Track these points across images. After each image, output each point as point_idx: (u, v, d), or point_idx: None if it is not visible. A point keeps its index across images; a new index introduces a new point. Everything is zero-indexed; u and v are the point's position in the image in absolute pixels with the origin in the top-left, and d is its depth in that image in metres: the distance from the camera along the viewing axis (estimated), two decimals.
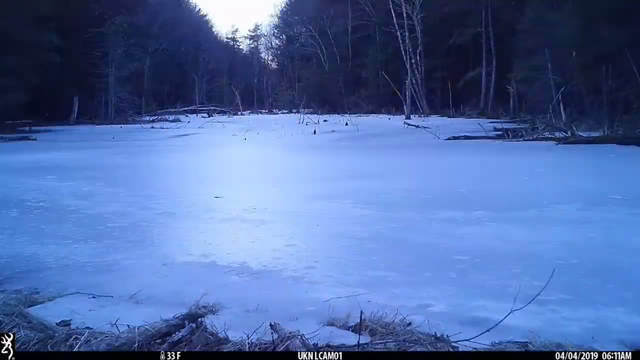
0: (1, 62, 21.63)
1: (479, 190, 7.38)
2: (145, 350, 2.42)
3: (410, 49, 36.69)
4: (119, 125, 26.24)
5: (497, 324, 2.54)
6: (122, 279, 3.67)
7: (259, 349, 2.41)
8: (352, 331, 2.76)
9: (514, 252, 4.22)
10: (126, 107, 31.80)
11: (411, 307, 3.00)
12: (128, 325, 2.62)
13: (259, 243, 4.63)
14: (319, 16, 46.65)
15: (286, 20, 59.08)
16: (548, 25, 20.04)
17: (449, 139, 16.66)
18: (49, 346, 2.42)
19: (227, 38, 71.97)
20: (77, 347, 2.38)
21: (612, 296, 3.19)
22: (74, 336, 2.47)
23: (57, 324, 2.77)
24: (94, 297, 3.29)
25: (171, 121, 31.07)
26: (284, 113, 45.19)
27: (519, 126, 19.22)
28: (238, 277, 3.71)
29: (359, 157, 13.34)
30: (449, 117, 30.95)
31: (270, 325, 2.55)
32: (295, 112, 39.15)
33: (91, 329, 2.59)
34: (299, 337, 2.43)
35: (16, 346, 2.34)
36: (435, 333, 2.58)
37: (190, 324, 2.63)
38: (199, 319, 2.72)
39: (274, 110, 50.96)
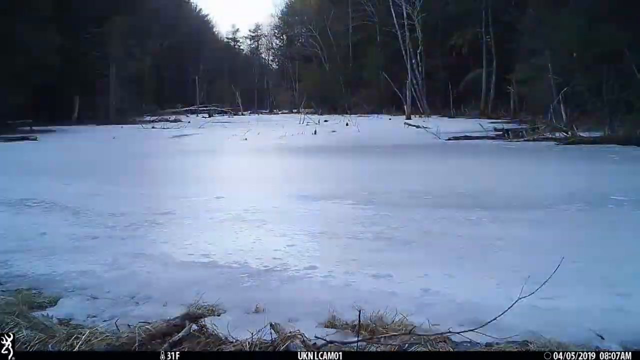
0: (2, 62, 21.63)
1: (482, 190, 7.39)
2: (146, 350, 2.42)
3: (411, 49, 36.67)
4: (120, 126, 26.28)
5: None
6: (122, 278, 3.68)
7: (259, 349, 2.41)
8: (352, 331, 2.76)
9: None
10: (127, 107, 31.80)
11: (411, 308, 3.00)
12: (128, 325, 2.63)
13: (259, 243, 4.63)
14: (319, 16, 46.66)
15: (287, 21, 59.06)
16: (549, 25, 20.01)
17: (449, 139, 16.65)
18: (49, 346, 2.42)
19: (227, 38, 72.04)
20: (77, 346, 2.39)
21: None
22: (75, 336, 2.47)
23: (57, 323, 2.77)
24: (94, 297, 3.29)
25: (172, 121, 31.07)
26: (285, 113, 45.20)
27: (519, 126, 19.21)
28: (238, 277, 3.71)
29: (360, 158, 13.31)
30: (449, 118, 30.95)
31: (270, 325, 2.55)
32: (295, 113, 39.15)
33: (91, 328, 2.60)
34: (299, 337, 2.43)
35: (16, 346, 2.35)
36: (436, 333, 2.58)
37: (191, 324, 2.63)
38: (199, 319, 2.72)
39: (275, 111, 50.98)
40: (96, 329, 2.55)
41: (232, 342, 2.49)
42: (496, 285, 3.42)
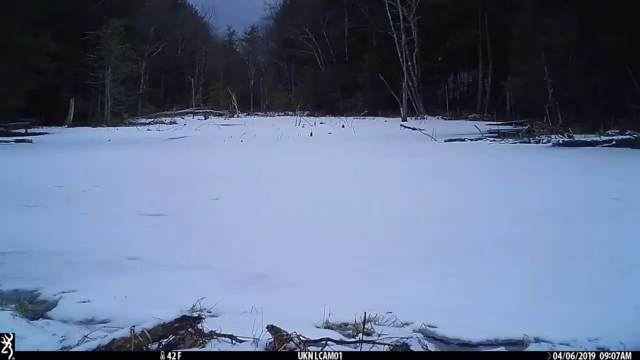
0: None
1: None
2: (145, 350, 2.41)
3: (407, 52, 36.71)
4: (115, 128, 26.18)
5: None
6: (121, 279, 3.66)
7: (259, 349, 2.41)
8: (352, 332, 2.77)
9: None
10: (122, 110, 31.69)
11: (412, 309, 3.00)
12: (128, 326, 2.62)
13: (259, 244, 4.62)
14: (315, 19, 46.65)
15: (282, 23, 59.04)
16: (544, 29, 20.06)
17: (445, 141, 16.68)
18: (48, 346, 2.42)
19: (223, 40, 71.90)
20: (76, 347, 2.38)
21: None
22: (74, 336, 2.46)
23: (57, 323, 2.76)
24: (93, 298, 3.28)
25: (167, 123, 30.96)
26: (280, 115, 45.16)
27: (515, 128, 19.26)
28: (237, 279, 3.70)
29: (355, 159, 13.30)
30: (445, 120, 31.00)
31: (270, 327, 2.54)
32: (291, 115, 39.13)
33: (90, 328, 2.59)
34: (298, 338, 2.43)
35: (16, 346, 2.33)
36: (433, 334, 2.59)
37: (190, 325, 2.63)
38: (198, 321, 2.72)
39: (270, 113, 50.94)
40: (95, 330, 2.54)
41: (231, 343, 2.48)
42: None
